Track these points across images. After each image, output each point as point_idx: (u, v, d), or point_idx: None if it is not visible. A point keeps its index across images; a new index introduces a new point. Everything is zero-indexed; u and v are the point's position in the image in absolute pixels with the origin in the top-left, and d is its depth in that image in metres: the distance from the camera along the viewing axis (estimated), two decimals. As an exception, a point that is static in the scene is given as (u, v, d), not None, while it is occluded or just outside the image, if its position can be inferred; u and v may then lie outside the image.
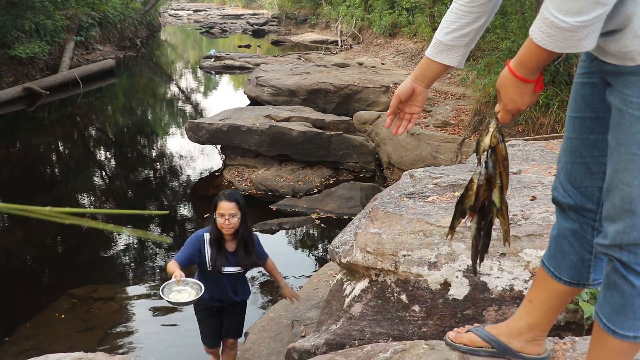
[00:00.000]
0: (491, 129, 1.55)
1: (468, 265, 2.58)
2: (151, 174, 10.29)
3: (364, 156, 9.24)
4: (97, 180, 9.96)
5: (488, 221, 1.68)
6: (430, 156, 8.63)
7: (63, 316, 5.22)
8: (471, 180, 1.61)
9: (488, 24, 1.73)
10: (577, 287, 1.77)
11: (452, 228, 1.74)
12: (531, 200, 2.95)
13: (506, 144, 1.56)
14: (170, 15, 51.16)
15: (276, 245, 6.92)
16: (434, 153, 8.66)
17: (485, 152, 1.56)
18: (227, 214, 3.33)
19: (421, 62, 1.81)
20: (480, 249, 1.76)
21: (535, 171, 3.79)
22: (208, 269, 3.43)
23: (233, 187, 8.56)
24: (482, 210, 1.65)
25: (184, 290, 3.12)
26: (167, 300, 3.06)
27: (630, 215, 1.39)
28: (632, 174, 1.36)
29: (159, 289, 3.14)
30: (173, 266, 3.22)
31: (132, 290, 5.82)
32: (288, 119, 9.42)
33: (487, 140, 1.55)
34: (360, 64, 17.52)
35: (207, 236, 3.46)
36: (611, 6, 1.16)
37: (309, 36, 28.92)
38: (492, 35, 12.20)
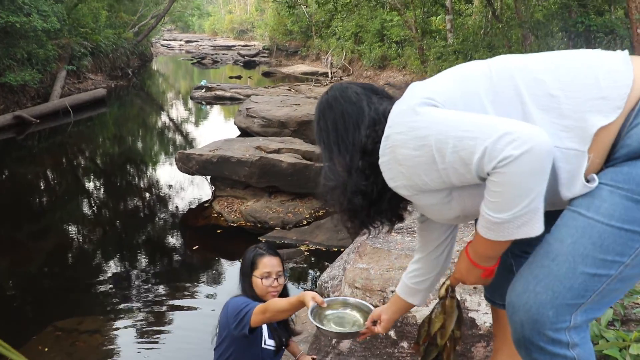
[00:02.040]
0: (446, 282, 1.75)
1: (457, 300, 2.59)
2: (140, 204, 10.26)
3: (353, 188, 9.26)
4: (85, 209, 9.91)
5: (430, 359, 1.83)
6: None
7: (47, 349, 5.14)
8: (425, 318, 1.84)
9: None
10: None
11: (417, 343, 1.91)
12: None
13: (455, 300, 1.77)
14: (162, 45, 51.64)
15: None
16: (422, 185, 8.70)
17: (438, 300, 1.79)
18: (274, 272, 2.65)
19: (392, 297, 2.05)
20: None
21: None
22: (265, 345, 2.67)
23: (222, 219, 8.54)
24: (426, 348, 1.84)
25: (339, 315, 2.23)
26: (336, 333, 2.17)
27: (545, 272, 1.42)
28: (569, 231, 1.40)
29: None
30: (306, 295, 2.36)
31: (119, 323, 5.74)
32: (278, 151, 9.45)
33: (441, 291, 1.77)
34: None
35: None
36: (537, 192, 1.28)
37: (299, 68, 29.22)
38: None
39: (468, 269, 1.56)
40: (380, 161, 1.50)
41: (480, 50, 15.21)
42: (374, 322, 2.04)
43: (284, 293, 2.73)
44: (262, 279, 2.60)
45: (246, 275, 2.66)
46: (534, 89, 1.40)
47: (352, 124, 1.59)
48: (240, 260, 2.81)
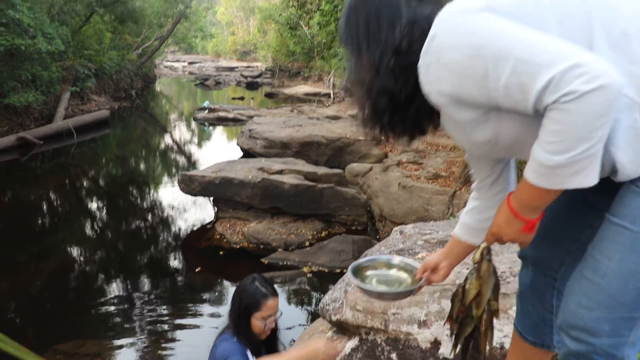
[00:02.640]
0: (482, 245, 1.56)
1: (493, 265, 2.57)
2: (143, 226, 10.26)
3: (355, 209, 9.26)
4: (88, 231, 9.91)
5: (465, 334, 1.64)
6: (422, 209, 8.66)
7: (48, 373, 5.11)
8: (458, 286, 1.63)
9: None
10: (543, 349, 1.77)
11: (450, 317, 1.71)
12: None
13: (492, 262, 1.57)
14: (166, 67, 52.01)
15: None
16: (425, 205, 8.69)
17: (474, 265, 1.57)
18: (273, 313, 2.54)
19: (450, 240, 1.84)
20: None
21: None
22: None
23: (225, 240, 8.53)
24: (461, 321, 1.64)
25: (383, 275, 1.99)
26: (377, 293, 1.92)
27: (596, 290, 1.36)
28: (616, 247, 1.34)
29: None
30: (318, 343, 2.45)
31: (120, 346, 5.71)
32: (280, 172, 9.47)
33: (476, 255, 1.56)
34: (353, 116, 17.71)
35: (248, 353, 2.48)
36: (599, 137, 1.16)
37: (301, 89, 29.36)
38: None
39: (508, 221, 1.39)
40: (420, 62, 1.36)
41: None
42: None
43: (275, 336, 2.64)
44: (263, 320, 2.48)
45: (245, 315, 2.48)
46: (608, 17, 1.25)
47: (387, 22, 1.43)
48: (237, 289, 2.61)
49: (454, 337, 1.67)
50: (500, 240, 1.45)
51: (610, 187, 1.36)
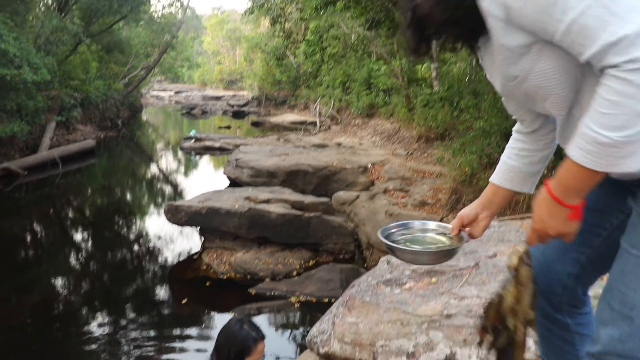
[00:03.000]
0: (520, 248, 1.44)
1: (446, 355, 2.56)
2: (128, 257, 10.17)
3: (343, 237, 9.25)
4: (72, 262, 9.80)
5: (500, 346, 1.52)
6: (409, 236, 8.66)
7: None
8: (495, 295, 1.51)
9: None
10: None
11: (483, 329, 1.58)
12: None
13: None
14: (152, 96, 52.09)
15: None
16: (412, 233, 8.69)
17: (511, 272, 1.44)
18: (262, 356, 2.59)
19: (487, 189, 1.66)
20: None
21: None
22: None
23: (212, 271, 8.47)
24: (495, 331, 1.51)
25: (417, 238, 1.79)
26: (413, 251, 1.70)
27: (628, 322, 1.29)
28: (639, 279, 1.29)
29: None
30: None
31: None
32: (267, 201, 9.46)
33: (513, 260, 1.44)
34: (339, 144, 17.84)
35: None
36: None
37: (288, 117, 29.49)
38: (466, 115, 12.57)
39: (551, 212, 1.26)
40: None
41: (466, 97, 15.46)
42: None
43: None
44: None
45: (233, 358, 2.49)
46: None
47: None
48: (224, 328, 2.60)
49: (486, 348, 1.56)
50: (545, 237, 1.33)
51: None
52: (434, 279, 3.22)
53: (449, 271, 3.27)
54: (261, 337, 2.55)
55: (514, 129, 1.62)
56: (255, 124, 30.14)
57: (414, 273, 3.39)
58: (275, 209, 9.03)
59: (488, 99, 11.72)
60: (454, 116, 14.23)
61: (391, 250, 1.71)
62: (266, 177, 12.54)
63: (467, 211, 1.65)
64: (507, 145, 1.63)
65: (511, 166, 1.60)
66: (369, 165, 13.00)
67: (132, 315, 7.49)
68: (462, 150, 10.24)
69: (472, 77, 18.35)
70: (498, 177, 1.63)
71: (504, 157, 1.63)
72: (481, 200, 1.66)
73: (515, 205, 8.70)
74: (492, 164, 9.45)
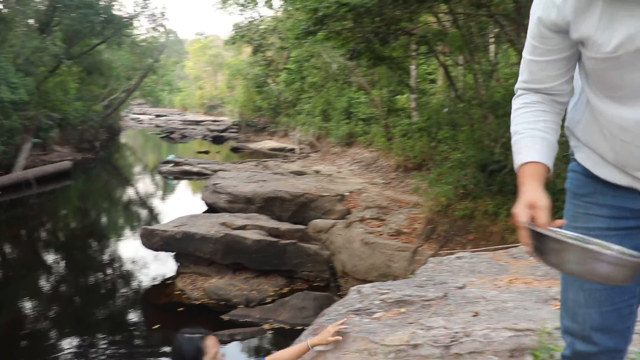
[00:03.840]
0: None
1: (413, 385, 2.59)
2: (101, 281, 10.04)
3: (318, 265, 9.26)
4: (42, 284, 9.65)
5: None
6: (384, 265, 8.71)
7: None
8: None
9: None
10: None
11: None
12: (473, 316, 3.02)
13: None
14: (132, 119, 51.84)
15: (227, 357, 6.72)
16: (387, 262, 8.74)
17: None
18: (217, 349, 2.50)
19: (535, 170, 1.41)
20: None
21: (480, 284, 3.89)
22: None
23: (185, 296, 8.40)
24: None
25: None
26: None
27: None
28: None
29: None
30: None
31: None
32: (243, 227, 9.45)
33: None
34: (317, 172, 17.90)
35: None
36: None
37: (267, 144, 29.53)
38: (444, 146, 12.75)
39: None
40: None
41: (444, 128, 15.69)
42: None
43: None
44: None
45: None
46: None
47: None
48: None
49: None
50: None
51: None
52: (402, 309, 3.26)
53: (417, 301, 3.31)
54: (205, 333, 2.47)
55: (542, 107, 1.46)
56: (234, 150, 30.14)
57: (383, 303, 3.42)
58: (251, 235, 9.03)
59: (465, 131, 11.92)
60: (432, 147, 14.42)
61: (563, 251, 1.24)
62: (243, 203, 12.52)
63: (537, 197, 1.37)
64: (535, 121, 1.44)
65: (552, 142, 1.44)
66: (346, 194, 13.06)
67: (102, 340, 7.38)
68: (438, 180, 10.37)
69: (451, 109, 18.65)
70: (544, 154, 1.42)
71: (540, 134, 1.42)
72: (538, 183, 1.41)
73: (489, 235, 8.80)
74: (467, 194, 9.58)
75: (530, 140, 1.42)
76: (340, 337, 2.74)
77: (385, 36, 11.56)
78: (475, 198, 9.30)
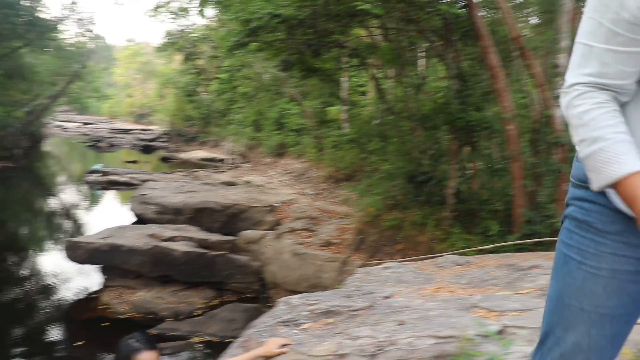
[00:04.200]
0: None
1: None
2: (19, 296, 9.59)
3: (248, 276, 9.21)
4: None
5: None
6: (314, 276, 8.75)
7: None
8: None
9: None
10: None
11: None
12: (399, 325, 3.08)
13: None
14: (57, 126, 50.02)
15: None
16: (317, 273, 8.79)
17: None
18: None
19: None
20: None
21: (407, 293, 3.98)
22: None
23: (111, 311, 8.16)
24: None
25: None
26: None
27: None
28: None
29: None
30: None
31: None
32: (172, 239, 9.29)
33: None
34: (248, 182, 17.82)
35: None
36: None
37: (198, 153, 29.20)
38: (374, 157, 12.98)
39: None
40: None
41: (374, 139, 15.97)
42: None
43: None
44: None
45: None
46: None
47: None
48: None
49: None
50: None
51: None
52: (330, 320, 3.29)
53: (345, 312, 3.36)
54: (144, 345, 2.34)
55: (616, 106, 1.22)
56: (164, 160, 29.60)
57: (311, 314, 3.45)
58: (180, 246, 8.89)
59: (394, 142, 12.17)
60: (362, 158, 14.64)
61: None
62: (173, 214, 12.30)
63: None
64: (618, 123, 1.19)
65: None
66: (277, 205, 13.07)
67: (21, 358, 7.07)
68: (368, 191, 10.55)
69: (381, 121, 19.02)
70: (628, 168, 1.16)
71: (630, 139, 1.18)
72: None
73: (417, 245, 9.01)
74: (396, 205, 9.78)
75: (625, 147, 1.16)
76: (286, 350, 2.69)
77: (318, 48, 11.69)
78: (403, 209, 9.52)
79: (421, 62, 14.68)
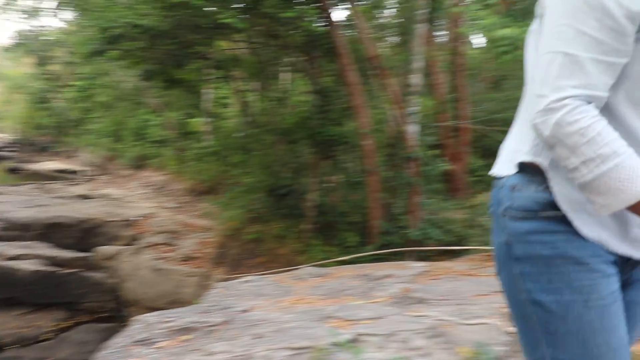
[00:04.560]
0: None
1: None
2: None
3: (103, 294, 8.81)
4: None
5: None
6: (174, 291, 8.56)
7: None
8: None
9: None
10: None
11: None
12: (255, 338, 3.12)
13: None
14: None
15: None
16: (177, 288, 8.61)
17: None
18: None
19: None
20: None
21: (265, 306, 4.04)
22: None
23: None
24: None
25: None
26: None
27: None
28: None
29: None
30: None
31: None
32: (17, 257, 8.66)
33: None
34: (105, 195, 17.06)
35: None
36: None
37: (51, 164, 27.54)
38: (236, 170, 12.96)
39: None
40: None
41: (237, 152, 15.96)
42: None
43: None
44: None
45: None
46: None
47: None
48: None
49: None
50: None
51: None
52: (187, 336, 3.26)
53: (202, 328, 3.34)
54: None
55: (605, 120, 1.07)
56: (12, 171, 27.49)
57: (168, 331, 3.39)
58: (27, 265, 8.32)
59: (257, 156, 12.25)
60: (224, 171, 14.58)
61: None
62: (20, 230, 11.41)
63: None
64: (617, 137, 1.06)
65: None
66: (136, 219, 12.62)
67: None
68: (229, 204, 10.52)
69: (244, 134, 19.07)
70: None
71: (631, 149, 1.07)
72: None
73: (278, 258, 9.12)
74: (257, 218, 9.84)
75: (638, 161, 1.05)
76: None
77: (180, 59, 11.51)
78: (265, 222, 9.61)
79: (285, 77, 14.94)
